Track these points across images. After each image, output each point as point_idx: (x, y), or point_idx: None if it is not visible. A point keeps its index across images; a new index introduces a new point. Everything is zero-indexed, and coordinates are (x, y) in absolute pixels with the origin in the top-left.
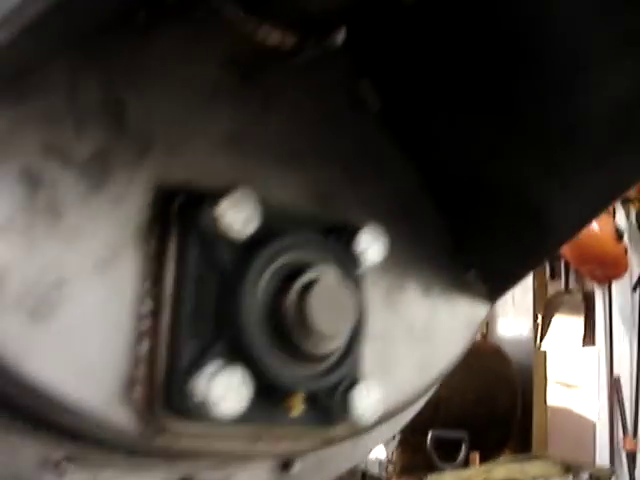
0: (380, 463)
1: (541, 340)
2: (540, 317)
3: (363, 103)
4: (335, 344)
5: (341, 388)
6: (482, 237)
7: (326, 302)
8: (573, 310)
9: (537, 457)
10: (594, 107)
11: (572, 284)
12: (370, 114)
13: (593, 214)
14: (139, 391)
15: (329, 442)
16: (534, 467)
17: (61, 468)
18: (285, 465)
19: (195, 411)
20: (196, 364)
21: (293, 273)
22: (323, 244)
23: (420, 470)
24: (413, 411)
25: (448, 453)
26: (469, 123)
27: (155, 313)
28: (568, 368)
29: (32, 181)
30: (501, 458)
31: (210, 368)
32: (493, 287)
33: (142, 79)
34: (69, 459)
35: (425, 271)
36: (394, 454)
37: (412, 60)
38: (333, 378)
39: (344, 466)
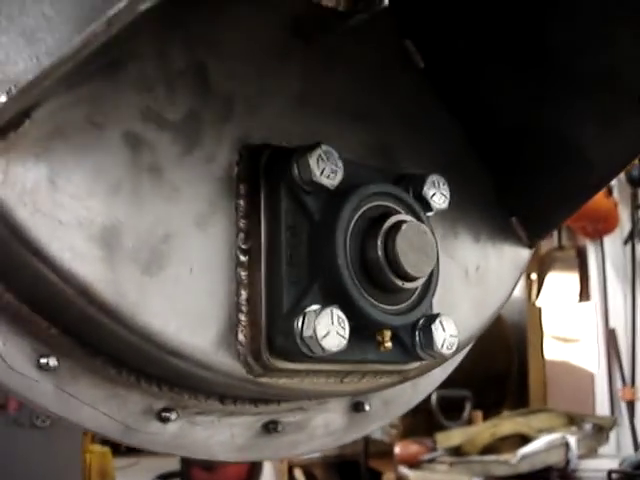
0: (382, 427)
1: (537, 297)
2: (534, 275)
3: (410, 62)
4: (419, 282)
5: (422, 324)
6: (524, 185)
7: (412, 243)
8: (567, 266)
9: (541, 410)
10: (630, 56)
11: (564, 241)
12: (417, 72)
13: (635, 154)
14: (243, 335)
15: (404, 379)
16: (539, 420)
17: (164, 416)
18: (356, 406)
19: (299, 349)
20: (296, 307)
21: (379, 218)
22: (398, 192)
23: (423, 431)
24: (460, 357)
25: (450, 413)
26: (508, 76)
27: (252, 264)
28: (565, 323)
29: (135, 143)
30: (505, 413)
31: (311, 309)
32: (534, 232)
33: (218, 45)
34: (169, 408)
35: (474, 219)
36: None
37: (450, 19)
38: (415, 314)
39: (404, 408)
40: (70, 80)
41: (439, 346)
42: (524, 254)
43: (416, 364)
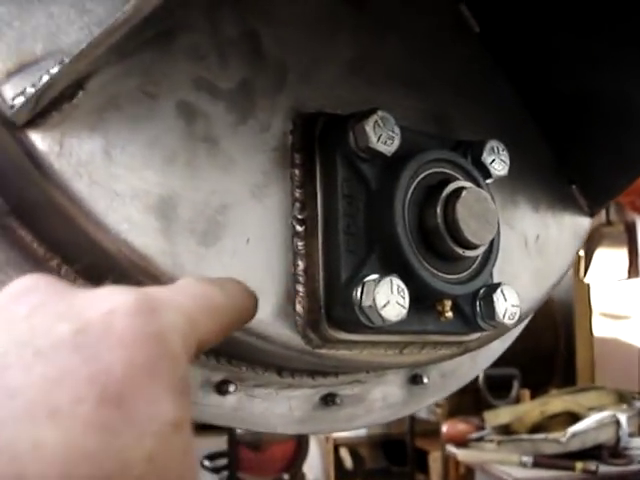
0: (428, 407)
1: (585, 273)
2: (582, 251)
3: (465, 26)
4: (480, 250)
5: (483, 293)
6: (583, 152)
7: (472, 210)
8: (615, 242)
9: (591, 388)
10: None
11: (613, 216)
12: (472, 37)
13: None
14: (300, 306)
15: (464, 350)
16: (589, 398)
17: (223, 388)
18: (414, 379)
19: (358, 319)
20: (355, 277)
21: (438, 184)
22: (456, 158)
23: (469, 411)
24: (519, 330)
25: (497, 392)
26: (568, 40)
27: (308, 234)
28: (614, 300)
29: (189, 113)
30: (553, 391)
31: (370, 279)
32: (594, 201)
33: (269, 12)
34: (228, 380)
35: (533, 187)
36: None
37: None
38: (476, 284)
39: (462, 381)
40: (122, 50)
41: (501, 316)
42: (584, 223)
43: (476, 335)
